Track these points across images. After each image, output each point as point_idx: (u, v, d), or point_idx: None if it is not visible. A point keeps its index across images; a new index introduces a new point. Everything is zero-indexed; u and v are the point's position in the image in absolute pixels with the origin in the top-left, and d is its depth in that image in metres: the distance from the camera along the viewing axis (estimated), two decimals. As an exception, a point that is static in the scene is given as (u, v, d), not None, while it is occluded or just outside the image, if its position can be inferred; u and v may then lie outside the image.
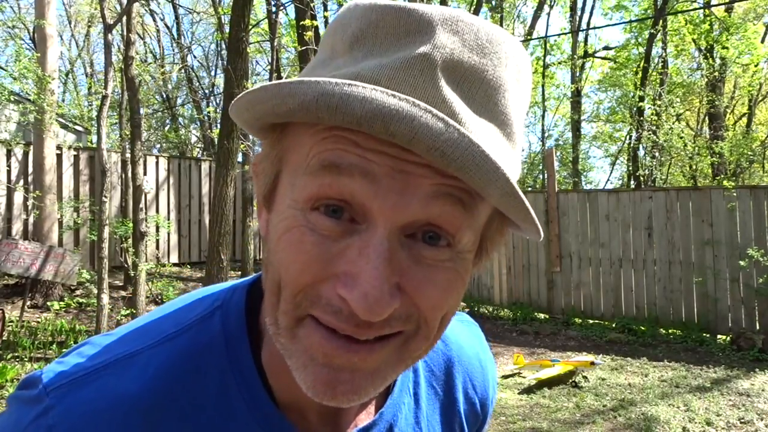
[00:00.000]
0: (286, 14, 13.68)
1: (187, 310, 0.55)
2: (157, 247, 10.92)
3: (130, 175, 9.06)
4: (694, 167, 14.47)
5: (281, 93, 0.42)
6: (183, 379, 0.50)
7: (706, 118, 16.91)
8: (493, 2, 18.02)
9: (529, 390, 5.61)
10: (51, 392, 0.48)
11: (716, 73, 14.65)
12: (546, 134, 18.96)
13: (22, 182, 9.13)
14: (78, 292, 8.88)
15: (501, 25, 18.03)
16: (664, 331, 8.04)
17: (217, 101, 18.36)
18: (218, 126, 10.26)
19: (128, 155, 9.11)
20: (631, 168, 15.45)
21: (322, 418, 0.55)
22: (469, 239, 0.46)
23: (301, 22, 9.90)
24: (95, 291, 7.41)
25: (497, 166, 0.40)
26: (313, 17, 11.13)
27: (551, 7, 19.08)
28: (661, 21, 14.25)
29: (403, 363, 0.48)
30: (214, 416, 0.50)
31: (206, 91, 19.25)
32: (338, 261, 0.43)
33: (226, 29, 9.39)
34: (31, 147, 8.84)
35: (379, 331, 0.44)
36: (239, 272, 10.83)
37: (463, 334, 0.72)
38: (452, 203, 0.44)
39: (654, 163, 14.58)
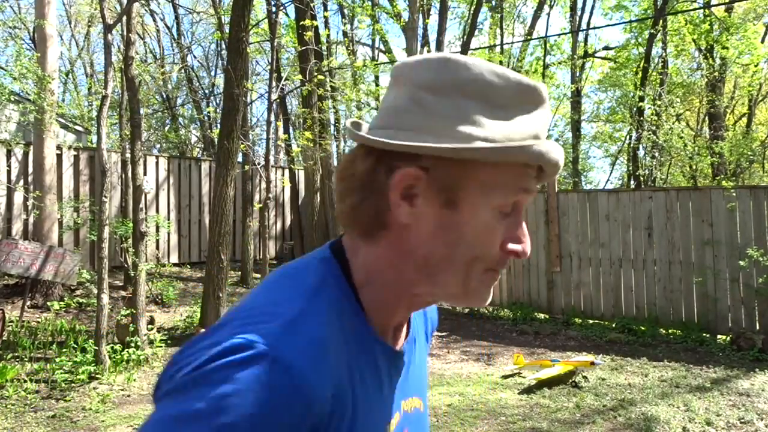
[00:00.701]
0: (286, 14, 13.68)
1: (296, 280, 0.75)
2: (157, 247, 10.92)
3: (130, 175, 9.06)
4: (694, 167, 14.46)
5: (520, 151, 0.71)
6: (339, 319, 0.72)
7: (706, 118, 16.91)
8: (493, 2, 18.02)
9: (529, 390, 5.62)
10: (270, 346, 0.61)
11: (716, 73, 14.64)
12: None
13: (22, 182, 9.14)
14: (78, 292, 8.88)
15: (501, 24, 18.06)
16: (664, 331, 8.04)
17: (217, 101, 18.36)
18: (218, 126, 10.26)
19: (128, 155, 9.12)
20: (631, 168, 15.45)
21: (392, 336, 0.85)
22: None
23: (301, 22, 9.91)
24: (95, 291, 7.41)
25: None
26: (313, 17, 11.13)
27: (551, 7, 19.08)
28: (661, 21, 14.25)
29: None
30: (352, 338, 0.74)
31: (206, 91, 19.26)
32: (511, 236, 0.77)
33: (226, 29, 9.40)
34: (31, 147, 8.85)
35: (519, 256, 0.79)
36: (239, 272, 10.83)
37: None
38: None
39: (654, 163, 14.57)
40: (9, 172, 9.16)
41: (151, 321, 7.60)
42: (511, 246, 0.75)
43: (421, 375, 0.94)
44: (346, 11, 14.47)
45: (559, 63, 19.01)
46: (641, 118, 14.13)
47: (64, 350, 6.43)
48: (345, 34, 15.55)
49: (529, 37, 18.50)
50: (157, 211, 10.92)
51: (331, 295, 0.74)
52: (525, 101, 0.74)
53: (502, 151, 0.69)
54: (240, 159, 10.92)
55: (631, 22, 16.08)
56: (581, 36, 17.90)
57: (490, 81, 0.72)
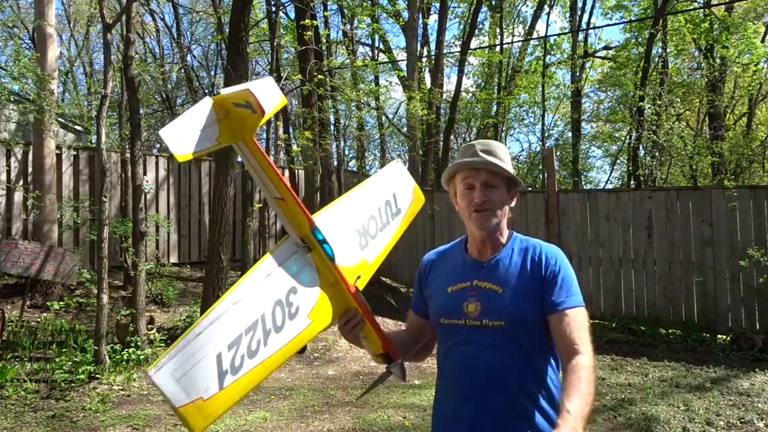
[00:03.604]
0: (286, 14, 13.68)
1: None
2: (157, 247, 10.91)
3: (129, 174, 9.05)
4: (694, 167, 14.45)
5: (452, 168, 1.91)
6: (452, 247, 2.02)
7: (706, 118, 16.90)
8: (493, 2, 18.01)
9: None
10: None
11: (716, 73, 14.64)
12: (546, 134, 18.97)
13: (21, 182, 9.13)
14: (78, 292, 8.88)
15: (501, 24, 18.04)
16: (664, 331, 8.03)
17: (217, 101, 18.30)
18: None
19: (128, 155, 9.11)
20: (631, 168, 15.43)
21: (477, 254, 1.90)
22: (497, 184, 1.85)
23: (301, 22, 9.90)
24: (95, 291, 7.40)
25: (492, 162, 1.83)
26: (313, 17, 11.11)
27: (551, 7, 19.06)
28: (661, 21, 14.24)
29: (495, 220, 1.86)
30: (454, 250, 2.01)
31: (206, 91, 19.24)
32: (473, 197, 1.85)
33: (226, 29, 9.38)
34: (31, 147, 8.84)
35: (482, 206, 1.83)
36: (239, 272, 10.82)
37: (540, 243, 1.87)
38: (490, 175, 1.84)
39: (654, 163, 14.56)
40: (9, 172, 9.15)
41: (151, 321, 7.60)
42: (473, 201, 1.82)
43: (504, 276, 1.80)
44: (346, 11, 14.45)
45: (559, 63, 18.99)
46: (641, 118, 14.12)
47: (63, 350, 6.42)
48: (345, 33, 15.53)
49: (529, 37, 18.49)
50: (157, 210, 10.92)
51: (458, 241, 1.99)
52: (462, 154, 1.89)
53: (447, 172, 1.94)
54: (240, 159, 10.90)
55: (631, 21, 16.08)
56: (581, 36, 17.90)
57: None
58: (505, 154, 1.87)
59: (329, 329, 2.00)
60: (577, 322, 1.75)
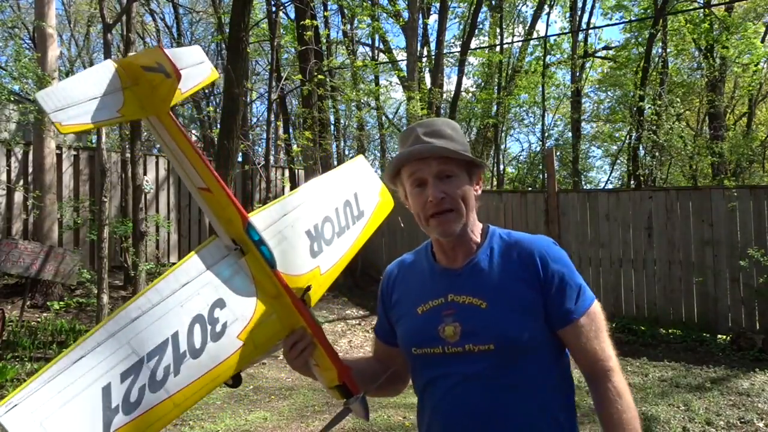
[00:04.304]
0: (286, 14, 13.68)
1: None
2: (157, 247, 10.91)
3: (130, 174, 9.06)
4: (694, 167, 14.45)
5: (393, 162, 1.50)
6: (416, 255, 1.61)
7: (706, 118, 16.90)
8: (493, 2, 18.01)
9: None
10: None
11: (716, 73, 14.63)
12: (546, 134, 18.94)
13: (22, 182, 9.13)
14: (78, 292, 8.87)
15: (501, 24, 18.04)
16: (664, 331, 8.03)
17: (217, 101, 18.36)
18: (218, 126, 10.26)
19: (128, 155, 9.11)
20: (631, 168, 15.43)
21: (446, 262, 1.50)
22: (454, 172, 1.43)
23: (301, 22, 9.90)
24: (95, 291, 7.41)
25: (441, 147, 1.42)
26: (313, 17, 11.12)
27: (551, 7, 19.06)
28: (661, 21, 14.23)
29: (462, 220, 1.44)
30: (421, 258, 1.58)
31: (206, 91, 19.24)
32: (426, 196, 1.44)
33: (226, 29, 9.39)
34: (31, 147, 8.84)
35: (441, 207, 1.42)
36: (239, 272, 10.81)
37: (526, 238, 1.49)
38: (443, 163, 1.42)
39: (654, 163, 14.56)
40: (9, 172, 9.15)
41: (151, 321, 7.59)
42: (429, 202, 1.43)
43: (485, 285, 1.42)
44: (346, 11, 14.45)
45: (559, 63, 18.99)
46: (641, 118, 14.12)
47: (64, 350, 6.42)
48: (345, 33, 15.54)
49: (529, 37, 18.48)
50: (157, 211, 10.92)
51: (423, 247, 1.60)
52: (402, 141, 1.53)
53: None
54: (240, 159, 10.91)
55: (631, 21, 16.08)
56: (581, 36, 17.89)
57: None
58: (455, 131, 1.48)
59: (271, 354, 1.71)
60: (595, 326, 1.44)
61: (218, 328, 1.38)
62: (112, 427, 1.18)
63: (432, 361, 1.43)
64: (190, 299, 1.37)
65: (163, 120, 1.42)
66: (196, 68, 1.53)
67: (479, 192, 1.49)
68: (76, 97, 1.28)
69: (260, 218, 1.57)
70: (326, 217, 1.75)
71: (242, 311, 1.43)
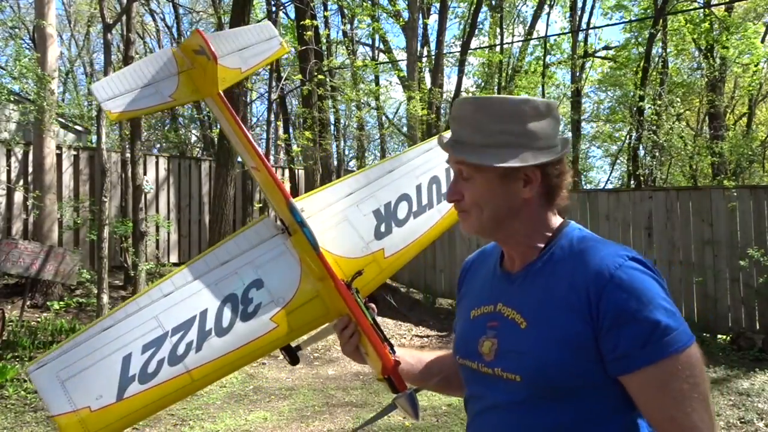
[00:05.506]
0: (286, 14, 13.69)
1: None
2: (157, 247, 10.91)
3: (130, 174, 9.06)
4: (694, 167, 14.45)
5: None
6: (494, 248, 1.34)
7: (706, 118, 16.89)
8: (493, 2, 18.00)
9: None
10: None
11: (716, 73, 14.63)
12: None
13: (22, 182, 9.12)
14: (78, 292, 8.87)
15: (501, 24, 18.05)
16: (664, 331, 8.02)
17: (217, 101, 18.29)
18: (218, 126, 10.25)
19: (128, 155, 9.11)
20: (631, 168, 15.43)
21: (510, 265, 1.26)
22: (471, 174, 1.18)
23: (301, 22, 9.91)
24: (95, 291, 7.41)
25: (459, 158, 1.19)
26: (313, 17, 11.12)
27: (551, 7, 19.06)
28: (661, 21, 14.23)
29: (478, 225, 1.23)
30: (491, 255, 1.35)
31: (206, 91, 19.24)
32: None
33: (226, 29, 9.38)
34: (31, 147, 8.84)
35: (457, 207, 1.24)
36: (239, 272, 10.81)
37: (597, 252, 1.16)
38: (460, 163, 1.21)
39: (654, 163, 14.56)
40: (9, 172, 9.15)
41: (151, 321, 7.59)
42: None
43: (531, 300, 1.17)
44: (346, 11, 14.45)
45: (559, 63, 18.99)
46: (641, 118, 14.11)
47: (64, 350, 6.42)
48: (345, 33, 15.54)
49: (529, 37, 18.48)
50: (157, 210, 10.91)
51: (491, 246, 1.39)
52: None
53: None
54: (240, 159, 10.91)
55: (631, 21, 16.08)
56: (581, 36, 17.88)
57: None
58: (494, 124, 1.15)
59: (325, 337, 1.54)
60: (677, 382, 1.03)
61: (250, 308, 1.37)
62: (125, 393, 1.24)
63: (469, 375, 1.26)
64: (226, 278, 1.38)
65: (216, 101, 1.45)
66: (261, 45, 1.51)
67: (530, 194, 1.17)
68: (129, 86, 1.34)
69: (319, 198, 1.51)
70: (403, 195, 1.58)
71: (281, 293, 1.40)
